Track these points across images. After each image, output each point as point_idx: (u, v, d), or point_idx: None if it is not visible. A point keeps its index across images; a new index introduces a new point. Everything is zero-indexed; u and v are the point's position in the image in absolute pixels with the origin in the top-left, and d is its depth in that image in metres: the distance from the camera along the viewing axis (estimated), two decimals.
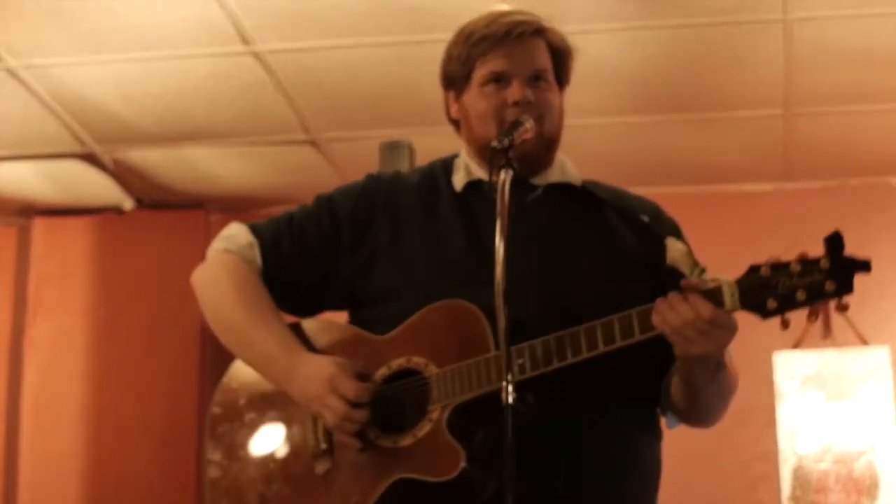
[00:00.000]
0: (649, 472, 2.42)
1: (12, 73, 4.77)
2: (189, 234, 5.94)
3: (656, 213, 2.50)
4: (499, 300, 2.06)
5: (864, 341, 5.53)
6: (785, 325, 2.11)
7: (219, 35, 4.53)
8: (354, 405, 2.27)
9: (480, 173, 2.46)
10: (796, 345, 5.51)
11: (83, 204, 5.93)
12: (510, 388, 2.03)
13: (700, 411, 2.38)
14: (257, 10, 4.40)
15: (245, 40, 4.58)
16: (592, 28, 4.43)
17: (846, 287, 2.06)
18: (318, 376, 2.30)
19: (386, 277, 2.41)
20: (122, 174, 5.67)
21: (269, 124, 5.21)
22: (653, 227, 2.45)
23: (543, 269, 2.35)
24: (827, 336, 5.53)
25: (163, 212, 5.96)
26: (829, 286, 2.06)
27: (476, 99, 2.43)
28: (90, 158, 5.52)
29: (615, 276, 2.36)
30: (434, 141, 5.22)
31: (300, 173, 5.64)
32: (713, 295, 2.13)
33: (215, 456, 2.48)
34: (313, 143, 5.39)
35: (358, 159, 5.43)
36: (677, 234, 2.47)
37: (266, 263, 2.47)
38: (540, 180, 2.46)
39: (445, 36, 2.50)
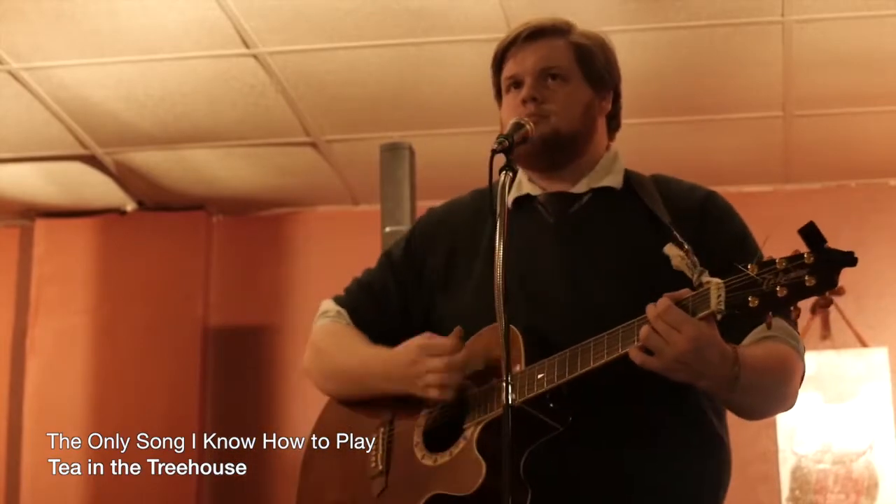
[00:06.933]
0: (704, 491, 2.39)
1: (14, 76, 4.78)
2: (191, 235, 5.95)
3: (702, 202, 2.48)
4: (498, 302, 2.09)
5: (862, 343, 5.53)
6: (768, 325, 2.02)
7: (220, 37, 4.55)
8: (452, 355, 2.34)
9: (529, 188, 2.47)
10: None
11: (85, 205, 5.94)
12: (509, 388, 2.07)
13: (741, 413, 2.39)
14: (258, 12, 4.41)
15: (246, 42, 4.59)
16: (592, 31, 4.44)
17: (828, 282, 1.94)
18: (408, 352, 2.40)
19: (442, 309, 2.48)
20: (124, 176, 5.68)
21: (270, 126, 5.22)
22: (668, 232, 2.34)
23: (579, 285, 2.34)
24: (825, 337, 5.54)
25: (164, 213, 5.96)
26: (810, 281, 1.94)
27: (503, 110, 2.45)
28: (92, 160, 5.53)
29: (642, 286, 2.28)
30: (434, 143, 5.26)
31: (301, 175, 5.65)
32: (700, 297, 2.07)
33: (304, 484, 2.59)
34: (314, 145, 5.40)
35: (358, 161, 5.44)
36: (723, 221, 2.48)
37: (355, 324, 2.57)
38: (583, 186, 2.44)
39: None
